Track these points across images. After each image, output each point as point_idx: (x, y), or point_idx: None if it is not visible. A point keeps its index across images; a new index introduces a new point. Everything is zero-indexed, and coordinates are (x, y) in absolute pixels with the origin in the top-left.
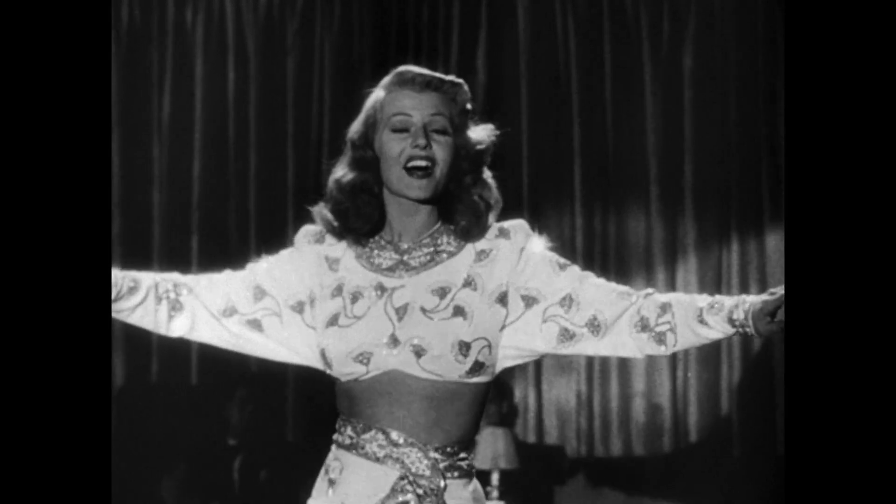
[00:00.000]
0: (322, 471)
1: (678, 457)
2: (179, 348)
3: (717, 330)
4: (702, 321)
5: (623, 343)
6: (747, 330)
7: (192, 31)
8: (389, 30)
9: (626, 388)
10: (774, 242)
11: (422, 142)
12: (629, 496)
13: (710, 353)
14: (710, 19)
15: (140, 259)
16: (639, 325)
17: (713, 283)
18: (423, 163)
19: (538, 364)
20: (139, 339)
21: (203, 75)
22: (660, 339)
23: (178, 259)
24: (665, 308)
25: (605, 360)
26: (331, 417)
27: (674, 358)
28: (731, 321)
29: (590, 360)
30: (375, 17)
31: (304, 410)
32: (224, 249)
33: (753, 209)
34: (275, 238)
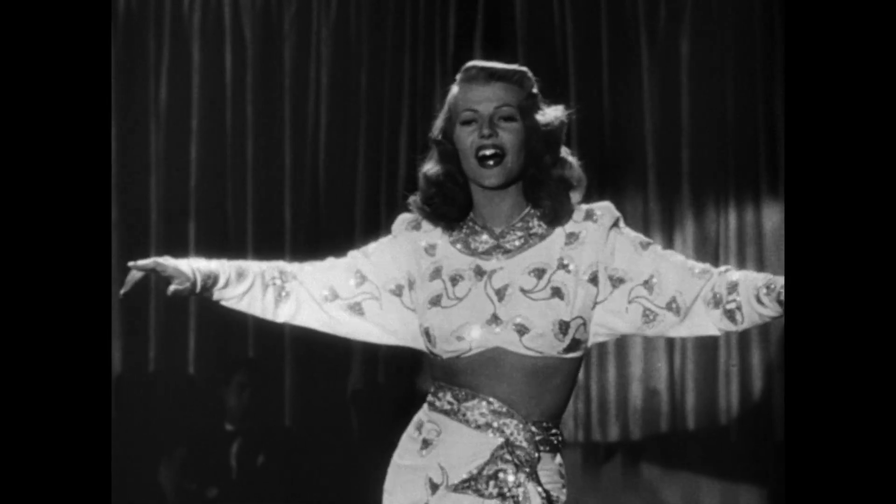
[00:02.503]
0: (412, 429)
1: (675, 441)
2: (177, 335)
3: (770, 309)
4: (759, 301)
5: (701, 323)
6: None
7: (189, 18)
8: (386, 16)
9: (624, 372)
10: (771, 225)
11: (486, 131)
12: (626, 480)
13: (708, 338)
14: (707, 3)
15: (138, 244)
16: (712, 302)
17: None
18: (490, 151)
19: None
20: (137, 326)
21: (200, 62)
22: (731, 316)
23: (175, 244)
24: (734, 286)
25: (602, 346)
26: (328, 403)
27: (671, 343)
28: (780, 302)
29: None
30: (372, 3)
31: (301, 396)
32: (222, 234)
33: (751, 193)
34: (272, 223)
